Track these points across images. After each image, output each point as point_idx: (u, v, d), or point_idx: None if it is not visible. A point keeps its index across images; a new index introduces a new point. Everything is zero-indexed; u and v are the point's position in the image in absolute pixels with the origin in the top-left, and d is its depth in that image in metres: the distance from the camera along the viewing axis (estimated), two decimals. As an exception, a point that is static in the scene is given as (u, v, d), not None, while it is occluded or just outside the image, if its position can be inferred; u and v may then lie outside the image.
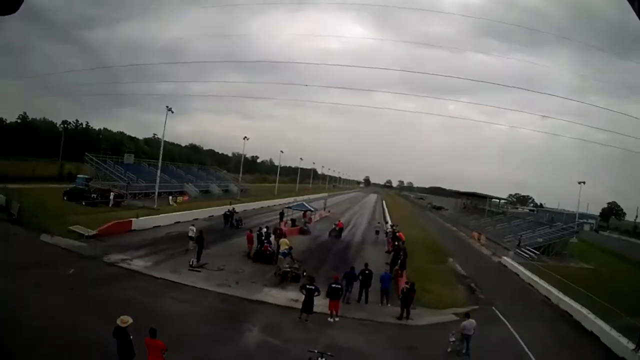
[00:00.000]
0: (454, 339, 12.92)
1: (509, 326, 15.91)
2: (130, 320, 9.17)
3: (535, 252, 34.93)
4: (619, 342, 14.12)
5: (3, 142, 57.67)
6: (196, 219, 31.69)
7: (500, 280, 25.53)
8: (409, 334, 14.43)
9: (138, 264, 18.83)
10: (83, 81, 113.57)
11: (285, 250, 20.42)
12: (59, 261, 17.65)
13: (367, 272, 17.25)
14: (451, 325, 14.81)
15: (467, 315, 13.27)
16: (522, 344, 14.14)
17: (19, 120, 72.24)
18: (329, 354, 10.41)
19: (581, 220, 54.52)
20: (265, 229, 24.28)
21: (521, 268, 26.71)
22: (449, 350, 12.84)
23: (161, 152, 41.70)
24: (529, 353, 13.46)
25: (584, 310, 17.04)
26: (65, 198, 34.13)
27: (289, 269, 19.59)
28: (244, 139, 60.98)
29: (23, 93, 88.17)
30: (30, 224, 23.32)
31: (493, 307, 18.23)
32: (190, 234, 22.70)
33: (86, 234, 22.16)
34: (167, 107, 38.12)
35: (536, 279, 23.43)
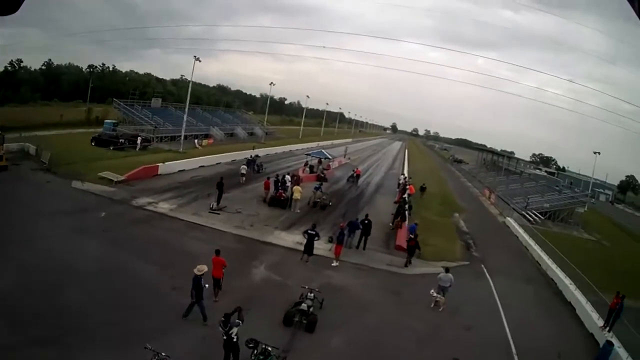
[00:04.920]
0: (434, 293, 13.22)
1: (491, 284, 16.22)
2: (205, 269, 10.39)
3: (540, 216, 34.14)
4: (591, 316, 13.77)
5: (28, 89, 56.72)
6: (219, 162, 32.63)
7: (499, 240, 25.41)
8: (397, 280, 15.24)
9: (163, 207, 19.50)
10: (109, 25, 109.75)
11: (317, 185, 25.01)
12: (92, 206, 18.17)
13: (366, 221, 17.87)
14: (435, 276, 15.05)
15: (446, 270, 13.67)
16: (498, 301, 14.40)
17: (43, 67, 68.34)
18: (317, 290, 11.67)
19: (597, 190, 51.81)
20: (283, 176, 24.78)
21: (521, 231, 26.44)
22: (432, 305, 13.15)
23: (188, 96, 40.07)
24: (500, 309, 13.78)
25: (567, 280, 16.75)
26: (93, 144, 32.81)
27: (318, 200, 23.46)
28: (270, 84, 61.05)
29: (48, 41, 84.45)
30: (61, 171, 23.35)
31: (482, 265, 18.40)
32: (242, 172, 27.13)
33: (115, 180, 22.47)
34: (194, 56, 37.41)
35: (532, 243, 23.11)
